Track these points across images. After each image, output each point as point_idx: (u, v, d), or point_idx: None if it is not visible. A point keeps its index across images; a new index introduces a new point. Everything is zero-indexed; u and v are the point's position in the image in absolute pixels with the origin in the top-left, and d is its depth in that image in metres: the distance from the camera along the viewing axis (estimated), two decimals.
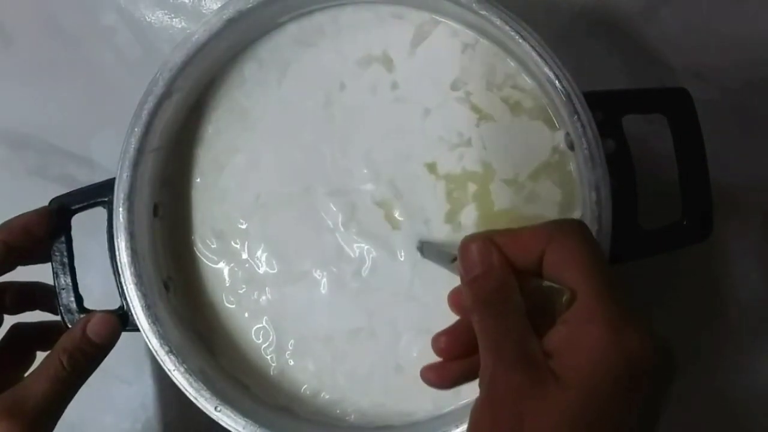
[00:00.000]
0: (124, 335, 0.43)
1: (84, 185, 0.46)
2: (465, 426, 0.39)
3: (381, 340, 0.44)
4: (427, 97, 0.44)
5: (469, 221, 0.43)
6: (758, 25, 0.51)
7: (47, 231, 0.44)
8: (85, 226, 0.45)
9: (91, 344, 0.42)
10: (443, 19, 0.44)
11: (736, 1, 0.51)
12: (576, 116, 0.38)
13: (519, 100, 0.43)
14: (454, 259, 0.36)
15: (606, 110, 0.39)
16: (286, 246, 0.45)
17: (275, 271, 0.45)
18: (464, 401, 0.43)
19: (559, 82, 0.38)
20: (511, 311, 0.31)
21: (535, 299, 0.31)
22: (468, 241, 0.33)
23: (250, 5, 0.42)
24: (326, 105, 0.45)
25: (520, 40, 0.39)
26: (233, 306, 0.45)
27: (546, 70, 0.38)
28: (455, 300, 0.35)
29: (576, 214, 0.42)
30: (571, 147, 0.40)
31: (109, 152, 0.52)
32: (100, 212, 0.44)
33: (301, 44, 0.45)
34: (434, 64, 0.44)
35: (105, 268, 0.43)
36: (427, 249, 0.42)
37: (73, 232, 0.45)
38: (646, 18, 0.51)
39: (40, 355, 0.46)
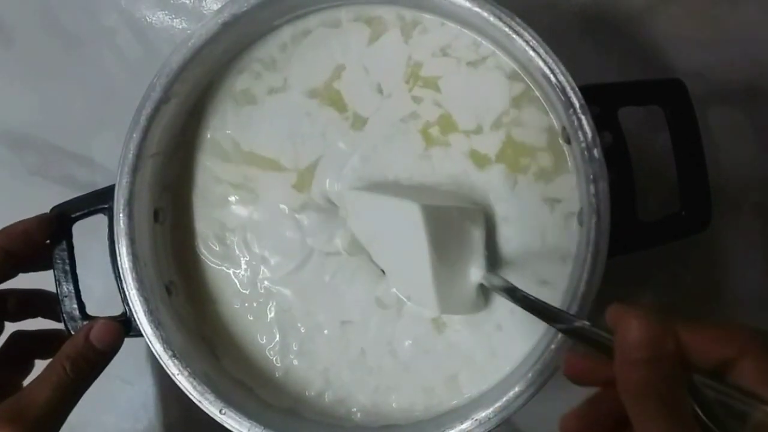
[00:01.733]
0: None
1: (84, 185, 0.46)
2: (469, 423, 0.39)
3: (384, 335, 0.44)
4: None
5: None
6: (759, 25, 0.51)
7: (48, 237, 0.44)
8: (87, 227, 0.45)
9: (94, 351, 0.42)
10: (433, 17, 0.44)
11: (736, 1, 0.51)
12: (572, 110, 0.38)
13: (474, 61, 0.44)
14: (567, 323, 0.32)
15: (602, 103, 0.40)
16: (289, 246, 0.45)
17: (280, 272, 0.45)
18: (467, 396, 0.43)
19: (555, 76, 0.38)
20: (685, 417, 0.27)
21: (700, 402, 0.27)
22: (631, 314, 0.29)
23: (245, 9, 0.42)
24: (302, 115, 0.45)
25: (515, 36, 0.39)
26: (237, 308, 0.46)
27: (540, 64, 0.39)
28: (579, 366, 0.32)
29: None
30: (568, 141, 0.41)
31: (110, 152, 0.52)
32: (101, 215, 0.44)
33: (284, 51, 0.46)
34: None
35: (106, 269, 0.44)
36: (500, 289, 0.38)
37: (74, 233, 0.45)
38: (646, 17, 0.51)
39: (39, 363, 0.46)
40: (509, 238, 0.43)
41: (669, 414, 0.27)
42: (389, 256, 0.43)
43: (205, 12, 0.55)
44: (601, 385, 0.32)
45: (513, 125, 0.43)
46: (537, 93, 0.43)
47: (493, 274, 0.40)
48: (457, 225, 0.40)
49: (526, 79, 0.43)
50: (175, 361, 0.41)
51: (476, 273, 0.41)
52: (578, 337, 0.32)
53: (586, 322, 0.31)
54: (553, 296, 0.41)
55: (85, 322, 0.44)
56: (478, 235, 0.41)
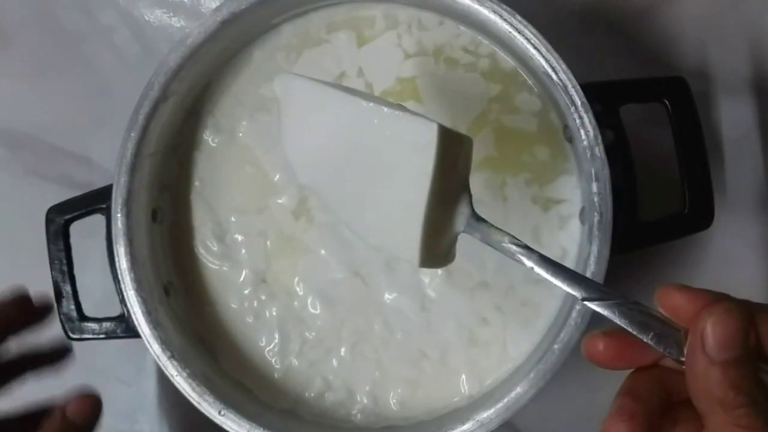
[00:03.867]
0: None
1: (82, 185, 0.45)
2: (470, 423, 0.39)
3: (387, 337, 0.44)
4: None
5: None
6: (762, 22, 0.50)
7: (26, 315, 0.43)
8: (84, 228, 0.45)
9: (74, 427, 0.40)
10: (433, 16, 0.44)
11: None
12: (573, 108, 0.38)
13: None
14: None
15: (604, 101, 0.40)
16: (289, 245, 0.45)
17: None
18: (467, 394, 0.43)
19: (556, 74, 0.38)
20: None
21: None
22: (712, 308, 0.26)
23: (244, 7, 0.42)
24: None
25: (516, 34, 0.39)
26: (236, 308, 0.45)
27: (542, 62, 0.38)
28: (608, 348, 0.29)
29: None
30: (570, 139, 0.40)
31: (108, 151, 0.51)
32: (98, 215, 0.44)
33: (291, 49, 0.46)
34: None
35: (104, 270, 0.43)
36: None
37: (72, 233, 0.45)
38: (648, 14, 0.51)
39: None
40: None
41: (762, 420, 0.25)
42: (352, 187, 0.35)
43: (203, 10, 0.55)
44: (628, 367, 0.30)
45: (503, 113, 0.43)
46: (529, 81, 0.43)
47: (486, 222, 0.34)
48: (455, 156, 0.34)
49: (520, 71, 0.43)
50: (174, 362, 0.41)
51: (461, 217, 0.34)
52: (613, 313, 0.29)
53: (629, 300, 0.29)
54: (552, 297, 0.41)
55: (82, 324, 0.44)
56: (466, 173, 0.35)
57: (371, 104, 0.34)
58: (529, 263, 0.32)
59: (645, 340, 0.28)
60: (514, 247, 0.33)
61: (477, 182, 0.43)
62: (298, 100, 0.37)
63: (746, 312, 0.26)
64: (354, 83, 0.45)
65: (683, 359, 0.27)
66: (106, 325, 0.44)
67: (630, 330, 0.28)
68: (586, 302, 0.29)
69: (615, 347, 0.29)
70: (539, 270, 0.32)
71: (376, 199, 0.34)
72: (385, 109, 0.33)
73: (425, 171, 0.32)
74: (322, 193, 0.37)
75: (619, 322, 0.29)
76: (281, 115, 0.38)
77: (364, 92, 0.36)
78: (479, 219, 0.34)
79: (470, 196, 0.35)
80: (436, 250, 0.34)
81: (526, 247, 0.32)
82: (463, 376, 0.43)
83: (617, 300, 0.29)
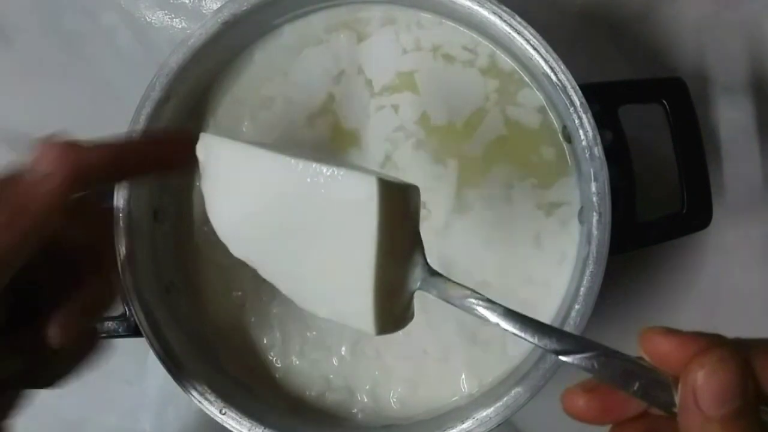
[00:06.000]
0: None
1: None
2: (470, 422, 0.39)
3: (387, 336, 0.43)
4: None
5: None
6: (760, 23, 0.51)
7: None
8: None
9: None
10: (431, 16, 0.44)
11: (738, 1, 0.51)
12: (572, 108, 0.38)
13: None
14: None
15: (602, 102, 0.40)
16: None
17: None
18: (467, 393, 0.43)
19: (555, 75, 0.38)
20: None
21: None
22: (702, 359, 0.23)
23: (245, 8, 0.42)
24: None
25: (515, 35, 0.39)
26: (237, 307, 0.45)
27: (541, 63, 0.39)
28: (590, 404, 0.26)
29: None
30: (569, 139, 0.41)
31: None
32: None
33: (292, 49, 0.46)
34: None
35: None
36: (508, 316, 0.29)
37: None
38: (647, 15, 0.51)
39: None
40: (498, 242, 0.43)
41: None
42: (292, 256, 0.32)
43: (204, 11, 0.55)
44: (616, 421, 0.27)
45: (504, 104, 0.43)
46: (528, 80, 0.43)
47: (442, 276, 0.31)
48: (402, 209, 0.31)
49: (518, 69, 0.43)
50: (176, 361, 0.41)
51: (416, 272, 0.31)
52: (592, 365, 0.26)
53: (609, 350, 0.26)
54: (551, 297, 0.42)
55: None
56: (416, 225, 0.32)
57: (301, 163, 0.30)
58: (494, 319, 0.29)
59: (630, 393, 0.25)
60: (474, 302, 0.29)
61: (488, 179, 0.43)
62: (220, 164, 0.33)
63: (741, 357, 0.23)
64: (354, 80, 0.45)
65: (675, 410, 0.25)
66: (108, 324, 0.44)
67: (613, 383, 0.26)
68: (561, 357, 0.26)
69: (598, 403, 0.27)
70: (506, 326, 0.28)
71: (320, 266, 0.31)
72: (317, 166, 0.30)
73: (369, 230, 0.29)
74: (260, 266, 0.33)
75: (600, 376, 0.26)
76: (203, 182, 0.34)
77: (293, 148, 0.33)
78: (434, 273, 0.31)
79: (423, 249, 0.31)
80: (393, 313, 0.31)
81: (489, 301, 0.29)
82: (463, 375, 0.43)
83: (596, 351, 0.26)
